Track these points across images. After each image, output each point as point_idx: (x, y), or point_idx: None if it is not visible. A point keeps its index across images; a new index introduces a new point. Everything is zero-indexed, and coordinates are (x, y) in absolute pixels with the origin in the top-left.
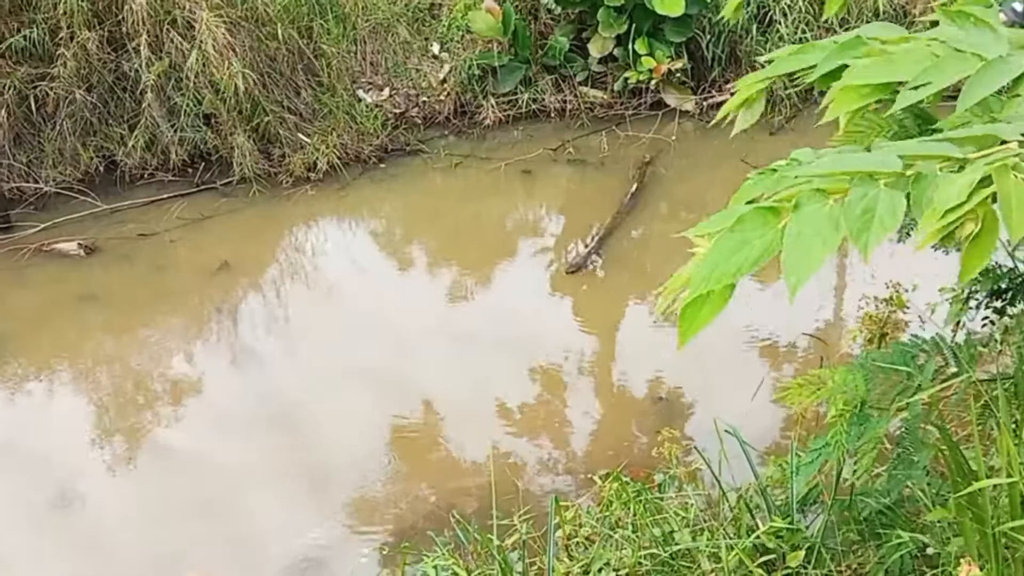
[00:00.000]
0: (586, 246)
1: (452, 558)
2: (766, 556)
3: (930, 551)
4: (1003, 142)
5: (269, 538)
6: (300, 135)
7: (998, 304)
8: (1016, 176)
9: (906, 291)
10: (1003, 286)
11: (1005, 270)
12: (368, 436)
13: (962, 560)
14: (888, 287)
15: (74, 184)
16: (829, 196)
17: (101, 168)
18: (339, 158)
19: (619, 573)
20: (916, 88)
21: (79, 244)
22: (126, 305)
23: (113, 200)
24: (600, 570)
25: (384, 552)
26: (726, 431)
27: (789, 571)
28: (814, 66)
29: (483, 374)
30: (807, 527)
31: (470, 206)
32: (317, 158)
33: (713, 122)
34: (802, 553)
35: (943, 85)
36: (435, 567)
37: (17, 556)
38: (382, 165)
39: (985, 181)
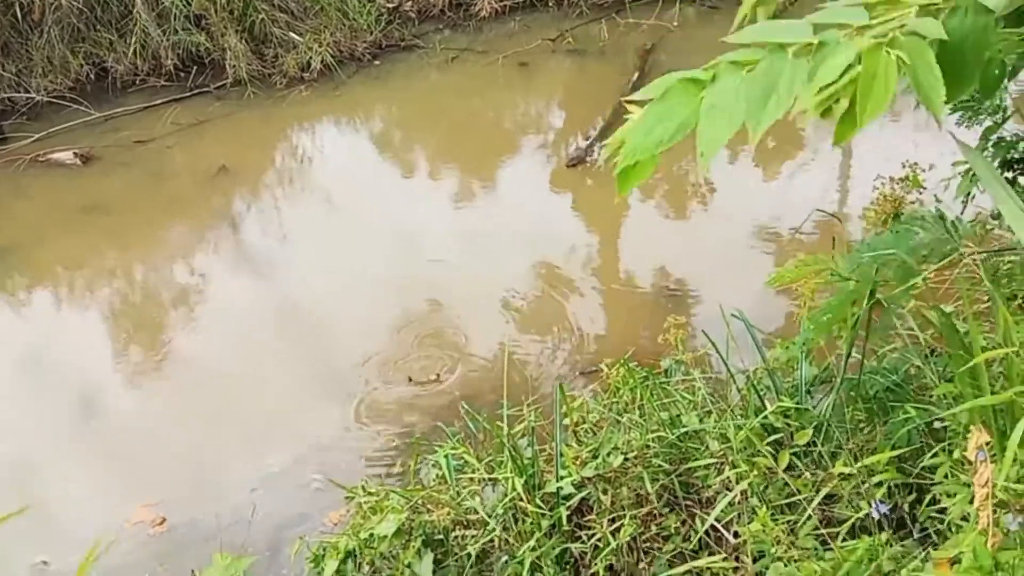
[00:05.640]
0: (587, 139)
1: (463, 447)
2: (774, 436)
3: (937, 425)
4: None
5: (283, 434)
6: (292, 34)
7: (1009, 175)
8: (888, 53)
9: (923, 171)
10: (1015, 156)
11: (1016, 139)
12: (377, 335)
13: (972, 428)
14: (904, 166)
15: (65, 93)
16: (744, 68)
17: (92, 75)
18: (333, 56)
19: (627, 455)
20: None
21: (75, 153)
22: (128, 213)
23: (106, 108)
24: (609, 453)
25: (397, 445)
26: (733, 315)
27: (797, 449)
28: None
29: (488, 270)
30: (814, 407)
31: (468, 101)
32: (310, 57)
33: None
34: (810, 431)
35: None
36: (447, 456)
37: (42, 461)
38: (376, 62)
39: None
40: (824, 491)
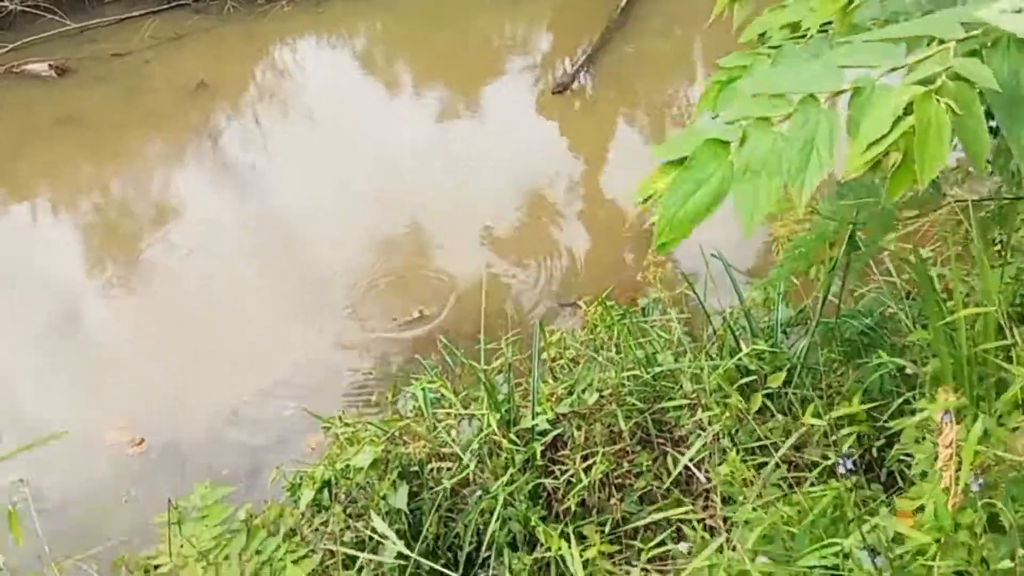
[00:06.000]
0: (573, 64)
1: (440, 381)
2: (748, 377)
3: (909, 371)
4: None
5: (261, 359)
6: None
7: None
8: (939, 101)
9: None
10: None
11: None
12: (357, 261)
13: (939, 388)
14: None
15: (40, 2)
16: (773, 123)
17: None
18: None
19: (602, 393)
20: None
21: (50, 65)
22: (105, 127)
23: (82, 18)
24: (584, 390)
25: (375, 376)
26: (712, 255)
27: (770, 391)
28: None
29: (470, 197)
30: (790, 347)
31: (453, 23)
32: None
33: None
34: (783, 374)
35: None
36: (423, 389)
37: (16, 379)
38: None
39: (909, 108)
40: (794, 437)
